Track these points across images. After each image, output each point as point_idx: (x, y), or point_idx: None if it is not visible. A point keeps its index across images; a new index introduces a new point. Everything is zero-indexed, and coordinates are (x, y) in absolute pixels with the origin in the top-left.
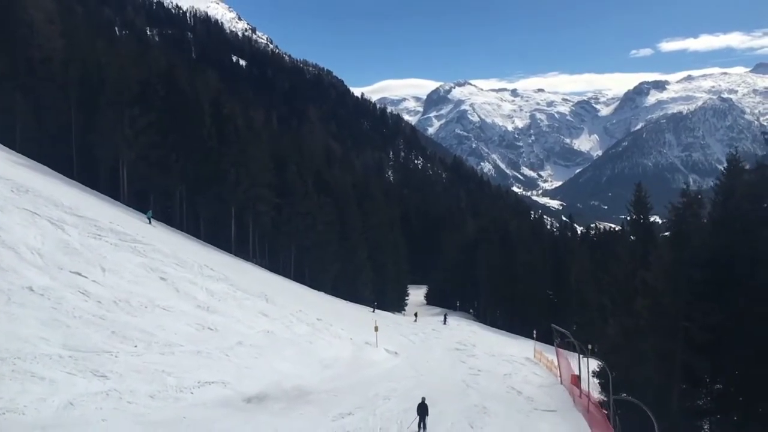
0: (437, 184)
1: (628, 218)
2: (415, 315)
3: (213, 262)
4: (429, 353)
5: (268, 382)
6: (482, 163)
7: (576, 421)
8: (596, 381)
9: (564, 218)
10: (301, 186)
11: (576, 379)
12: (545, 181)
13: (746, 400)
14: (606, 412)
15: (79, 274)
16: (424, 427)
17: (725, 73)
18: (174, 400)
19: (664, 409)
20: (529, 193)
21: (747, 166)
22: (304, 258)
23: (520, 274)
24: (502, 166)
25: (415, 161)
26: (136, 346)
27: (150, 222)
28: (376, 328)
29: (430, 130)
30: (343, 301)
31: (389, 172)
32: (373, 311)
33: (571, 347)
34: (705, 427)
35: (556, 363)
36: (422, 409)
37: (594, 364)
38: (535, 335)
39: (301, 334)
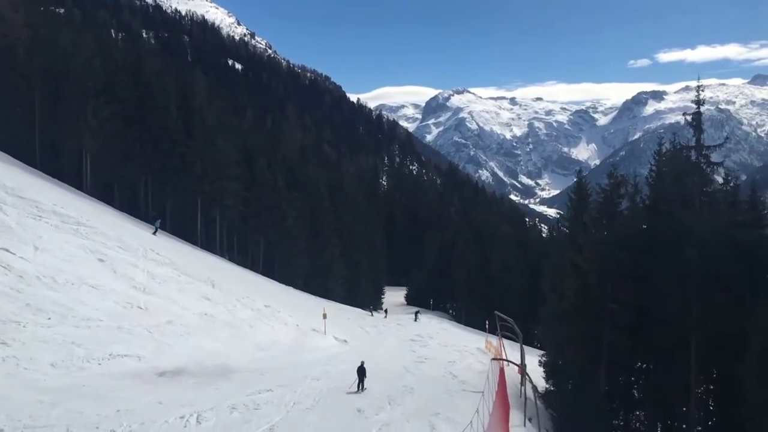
0: (431, 190)
1: (568, 205)
2: (385, 311)
3: (161, 248)
4: (381, 343)
5: (188, 359)
6: (480, 171)
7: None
8: (542, 370)
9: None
10: (270, 180)
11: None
12: (543, 189)
13: (671, 383)
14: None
15: (7, 251)
16: (363, 388)
17: (723, 84)
18: (78, 370)
19: (593, 393)
20: (526, 201)
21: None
22: (273, 253)
23: (495, 274)
24: (500, 174)
25: (410, 167)
26: (49, 318)
27: (155, 233)
28: (325, 316)
29: (429, 137)
30: (312, 297)
31: (384, 178)
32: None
33: (513, 334)
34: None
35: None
36: (361, 372)
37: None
38: (487, 326)
39: (243, 318)
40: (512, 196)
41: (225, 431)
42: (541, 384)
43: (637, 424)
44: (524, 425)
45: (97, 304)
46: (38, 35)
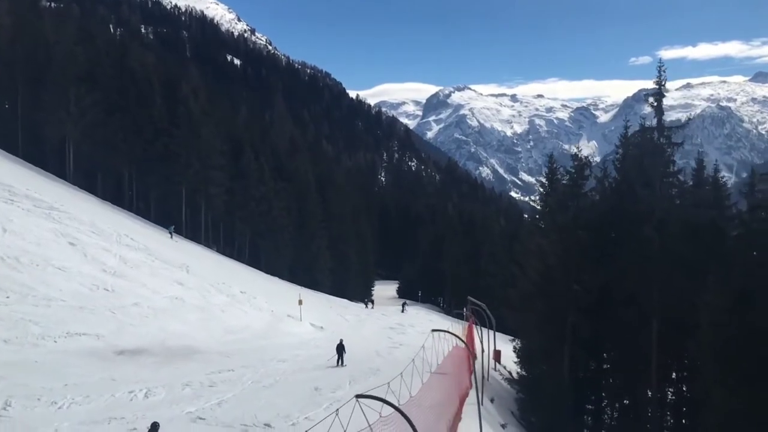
0: (430, 186)
1: (541, 189)
2: (372, 302)
3: (137, 234)
4: (359, 330)
5: (150, 340)
6: (481, 168)
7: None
8: (515, 356)
9: None
10: (257, 170)
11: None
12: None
13: (634, 364)
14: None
15: None
16: (342, 363)
17: (724, 82)
18: (32, 346)
19: (557, 374)
20: (527, 199)
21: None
22: (259, 243)
23: (484, 266)
24: (501, 171)
25: (409, 163)
26: (8, 297)
27: (171, 236)
28: (300, 302)
29: (429, 134)
30: (295, 286)
31: (382, 174)
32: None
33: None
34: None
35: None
36: (340, 348)
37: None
38: (464, 313)
39: (215, 303)
40: (513, 193)
41: (171, 405)
42: (515, 369)
43: (603, 405)
44: (482, 404)
45: (61, 285)
46: (21, 22)
